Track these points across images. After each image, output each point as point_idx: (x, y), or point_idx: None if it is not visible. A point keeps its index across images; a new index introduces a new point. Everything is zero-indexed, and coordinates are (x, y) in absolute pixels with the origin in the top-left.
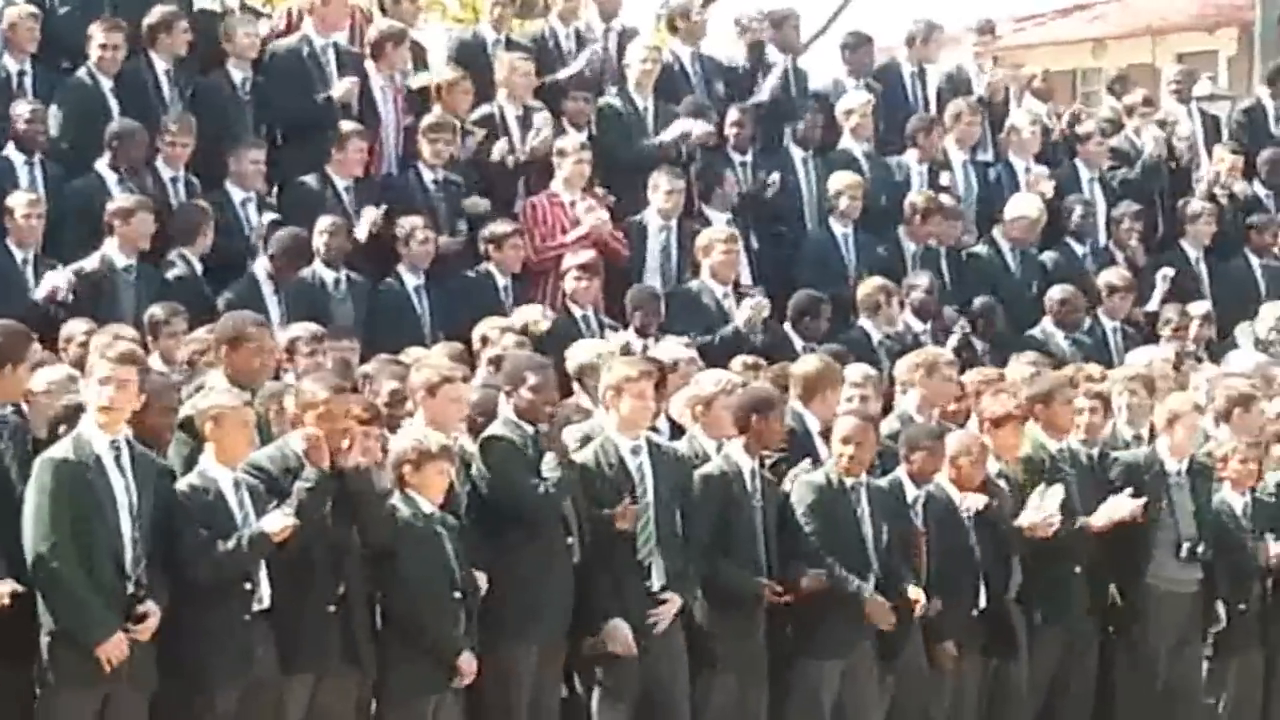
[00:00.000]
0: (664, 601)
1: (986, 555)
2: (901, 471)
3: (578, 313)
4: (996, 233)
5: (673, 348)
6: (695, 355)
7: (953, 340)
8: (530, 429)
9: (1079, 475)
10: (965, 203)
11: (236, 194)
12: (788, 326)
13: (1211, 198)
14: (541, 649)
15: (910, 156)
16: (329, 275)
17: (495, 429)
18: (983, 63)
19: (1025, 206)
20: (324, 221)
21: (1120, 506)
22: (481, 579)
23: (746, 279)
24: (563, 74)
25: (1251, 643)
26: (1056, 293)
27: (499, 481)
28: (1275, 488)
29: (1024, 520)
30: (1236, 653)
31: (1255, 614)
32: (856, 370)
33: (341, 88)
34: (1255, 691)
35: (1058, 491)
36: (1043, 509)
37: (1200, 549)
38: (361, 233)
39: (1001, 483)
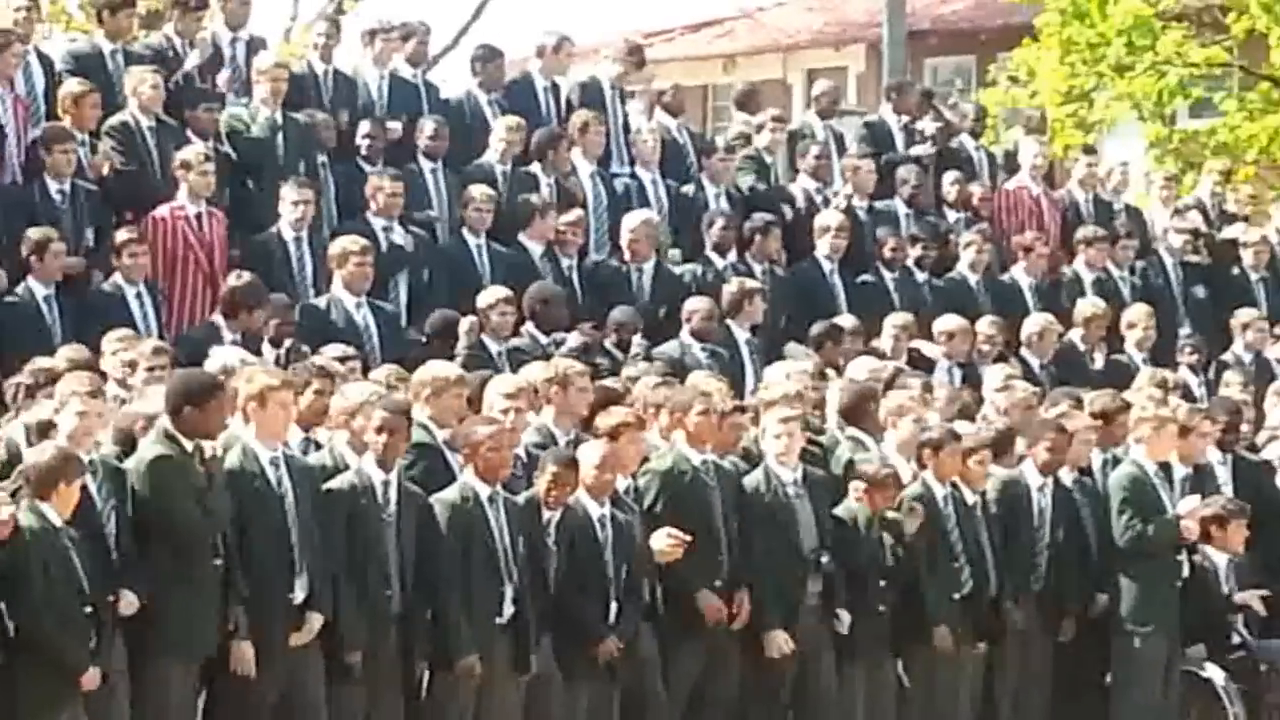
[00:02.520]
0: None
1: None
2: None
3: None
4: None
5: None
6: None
7: (567, 346)
8: (190, 445)
9: (723, 487)
10: (595, 214)
11: None
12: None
13: (846, 211)
14: (188, 667)
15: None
16: None
17: (157, 448)
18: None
19: (641, 219)
20: None
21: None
22: (132, 598)
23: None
24: (186, 66)
25: (880, 649)
26: (694, 304)
27: (159, 503)
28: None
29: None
30: (861, 659)
31: (885, 620)
32: (506, 382)
33: None
34: (885, 697)
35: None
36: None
37: (824, 559)
38: None
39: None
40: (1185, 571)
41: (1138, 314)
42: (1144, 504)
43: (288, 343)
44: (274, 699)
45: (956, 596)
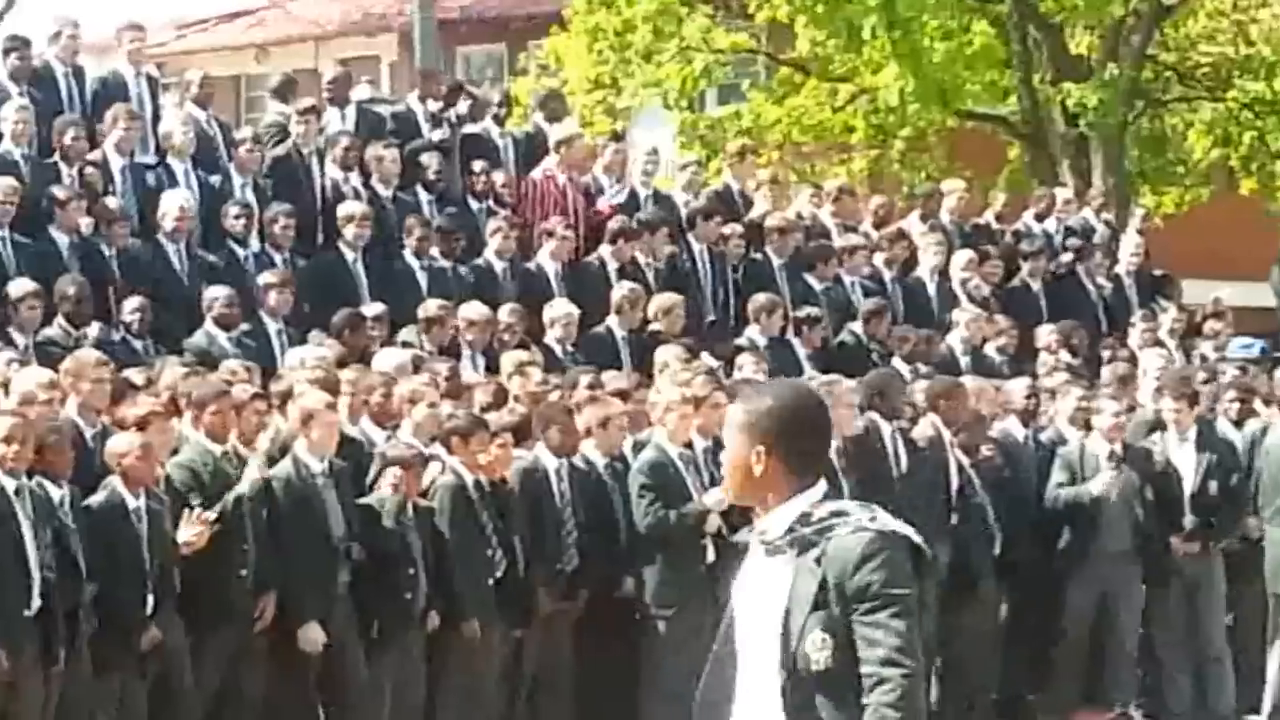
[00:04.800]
0: None
1: None
2: None
3: None
4: (160, 235)
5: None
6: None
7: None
8: None
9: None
10: (126, 206)
11: None
12: None
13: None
14: None
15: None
16: None
17: None
18: (139, 65)
19: (176, 200)
20: None
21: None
22: None
23: None
24: None
25: (411, 637)
26: (214, 293)
27: None
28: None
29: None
30: (393, 647)
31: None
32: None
33: None
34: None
35: None
36: None
37: (354, 548)
38: None
39: None
40: (711, 556)
41: (664, 301)
42: (666, 489)
43: None
44: None
45: (490, 582)
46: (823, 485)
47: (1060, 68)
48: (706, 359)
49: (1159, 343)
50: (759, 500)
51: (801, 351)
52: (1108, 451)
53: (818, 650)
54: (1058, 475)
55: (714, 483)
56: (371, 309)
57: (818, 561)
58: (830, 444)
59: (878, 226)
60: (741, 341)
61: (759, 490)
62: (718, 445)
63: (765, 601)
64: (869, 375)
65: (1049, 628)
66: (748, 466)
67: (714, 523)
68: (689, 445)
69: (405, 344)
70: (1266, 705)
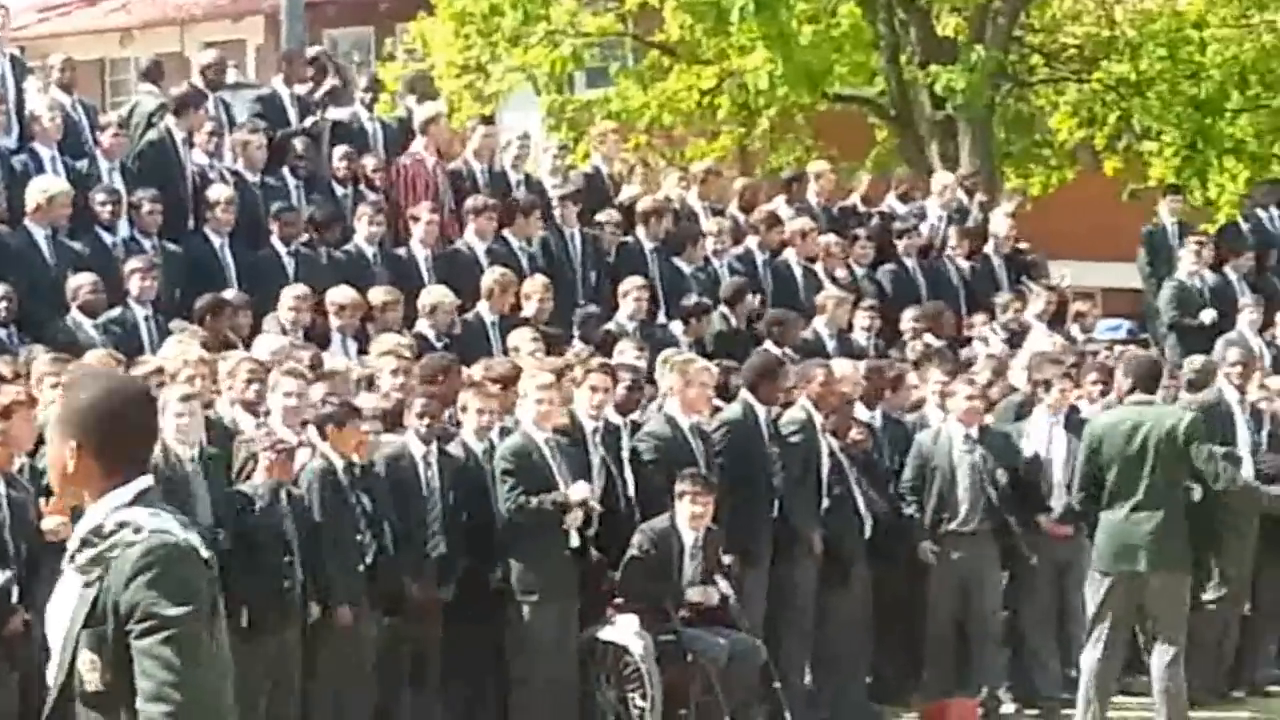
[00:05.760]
0: None
1: None
2: None
3: None
4: (29, 221)
5: None
6: None
7: None
8: None
9: None
10: None
11: None
12: None
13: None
14: None
15: None
16: None
17: None
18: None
19: (47, 185)
20: None
21: None
22: None
23: None
24: None
25: (288, 624)
26: (78, 281)
27: None
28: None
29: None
30: (271, 635)
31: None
32: None
33: None
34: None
35: None
36: None
37: (220, 536)
38: None
39: None
40: (575, 542)
41: (534, 285)
42: (528, 474)
43: None
44: None
45: (361, 569)
46: (137, 486)
47: (927, 50)
48: (579, 344)
49: (1027, 324)
50: (80, 500)
51: (683, 338)
52: (962, 434)
53: (89, 671)
54: (912, 459)
55: (579, 470)
56: (234, 295)
57: (101, 574)
58: (152, 440)
59: (744, 209)
60: (610, 326)
61: (77, 489)
62: (608, 429)
63: (60, 615)
64: (751, 359)
65: (916, 613)
66: (63, 464)
67: (574, 519)
68: (562, 430)
69: (272, 330)
70: (1080, 700)
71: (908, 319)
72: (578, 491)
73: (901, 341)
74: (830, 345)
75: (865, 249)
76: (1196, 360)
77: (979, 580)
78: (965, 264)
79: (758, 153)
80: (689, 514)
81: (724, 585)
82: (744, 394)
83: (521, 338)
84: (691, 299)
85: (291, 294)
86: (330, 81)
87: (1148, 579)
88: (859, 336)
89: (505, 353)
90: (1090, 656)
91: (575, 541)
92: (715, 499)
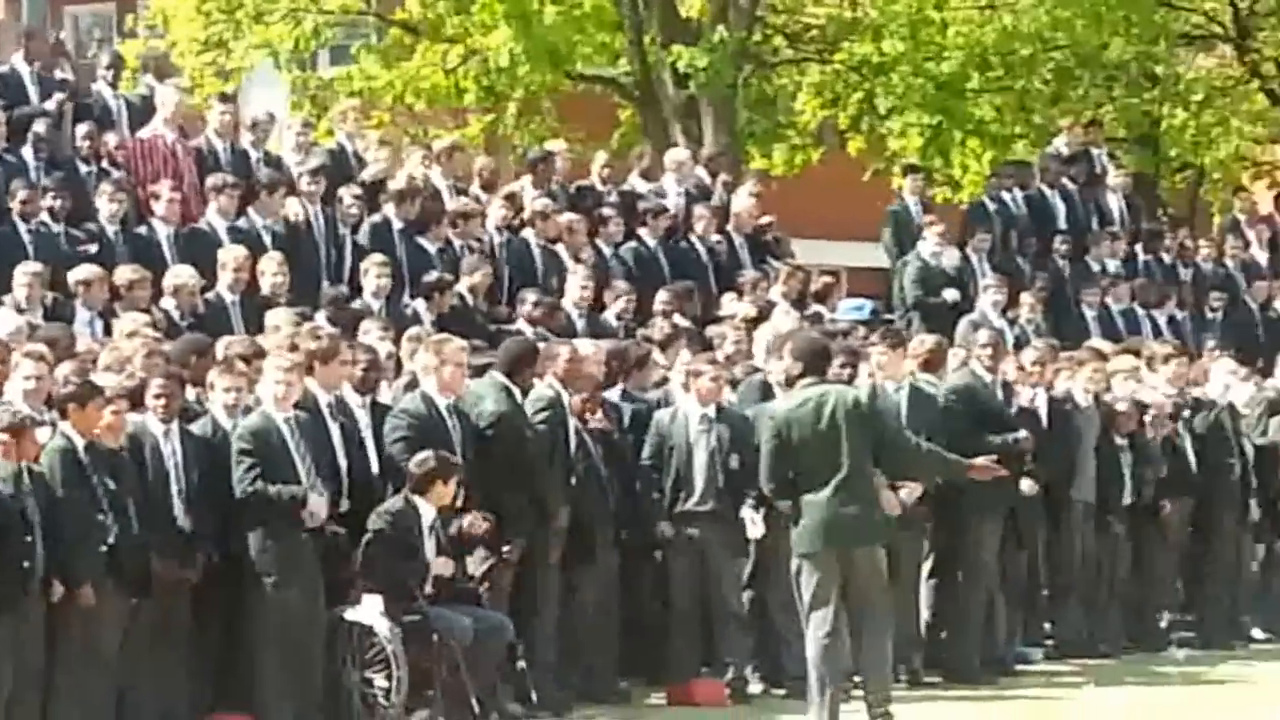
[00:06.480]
0: None
1: None
2: None
3: None
4: None
5: None
6: None
7: None
8: None
9: None
10: None
11: None
12: None
13: None
14: None
15: None
16: None
17: None
18: None
19: None
20: None
21: None
22: None
23: None
24: None
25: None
26: None
27: None
28: None
29: None
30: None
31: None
32: None
33: None
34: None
35: None
36: None
37: None
38: None
39: None
40: (384, 526)
41: (269, 263)
42: (267, 455)
43: None
44: None
45: (103, 549)
46: None
47: (671, 30)
48: (322, 322)
49: (771, 303)
50: None
51: (426, 315)
52: (700, 414)
53: None
54: (650, 438)
55: (319, 450)
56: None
57: None
58: None
59: (485, 188)
60: (358, 306)
61: None
62: (340, 405)
63: None
64: (507, 344)
65: (661, 591)
66: None
67: (316, 519)
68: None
69: (9, 309)
70: (813, 691)
71: (659, 300)
72: (316, 505)
73: (651, 321)
74: (580, 325)
75: (616, 228)
76: (928, 340)
77: (717, 559)
78: (710, 244)
79: (507, 135)
80: (435, 494)
81: (474, 564)
82: (498, 377)
83: (281, 317)
84: (432, 276)
85: (24, 272)
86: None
87: (854, 556)
88: (609, 316)
89: (256, 332)
90: (815, 644)
91: (313, 523)
92: (461, 479)
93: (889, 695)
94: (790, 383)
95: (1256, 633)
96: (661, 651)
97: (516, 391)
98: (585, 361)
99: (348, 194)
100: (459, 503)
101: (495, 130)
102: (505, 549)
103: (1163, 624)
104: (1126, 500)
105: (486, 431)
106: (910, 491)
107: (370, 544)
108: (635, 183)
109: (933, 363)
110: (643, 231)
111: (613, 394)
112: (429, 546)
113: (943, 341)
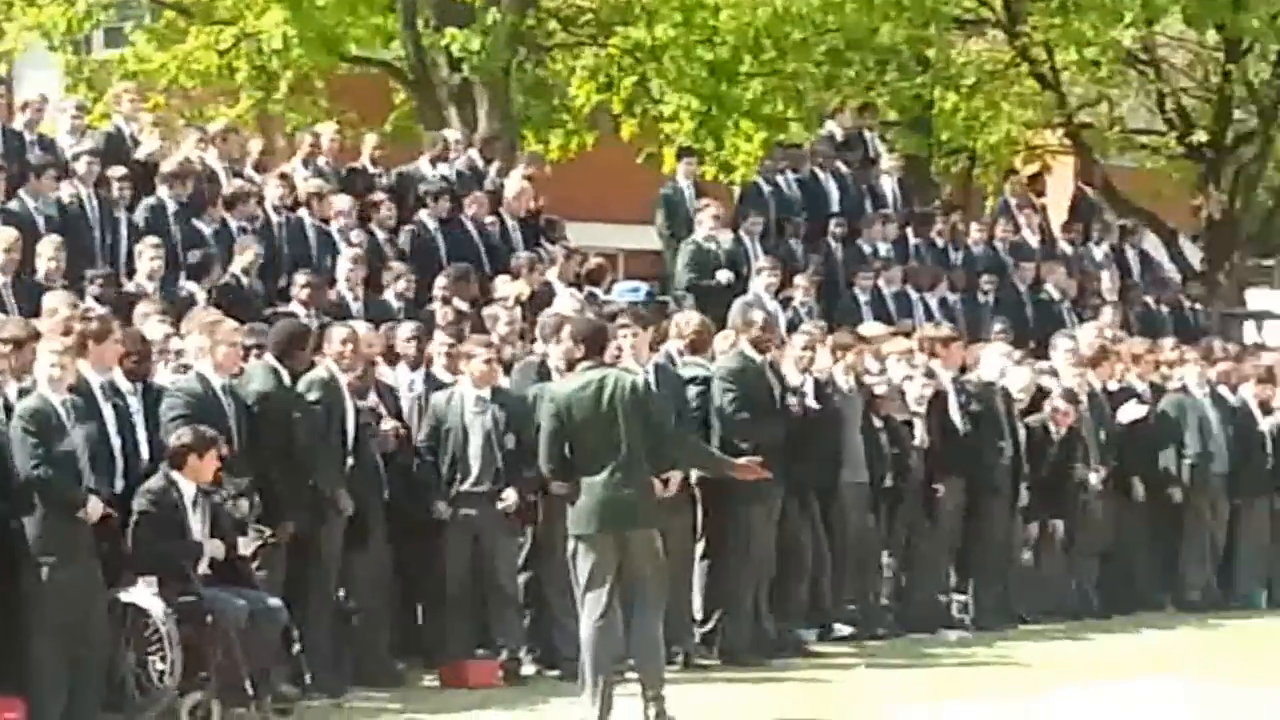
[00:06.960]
0: None
1: None
2: None
3: None
4: None
5: None
6: None
7: None
8: None
9: None
10: None
11: None
12: None
13: None
14: None
15: None
16: None
17: None
18: None
19: None
20: None
21: None
22: None
23: None
24: None
25: None
26: None
27: None
28: None
29: None
30: None
31: None
32: None
33: None
34: None
35: None
36: None
37: None
38: None
39: None
40: (148, 506)
41: (45, 246)
42: (47, 437)
43: None
44: None
45: None
46: None
47: (443, 13)
48: (92, 304)
49: (548, 285)
50: None
51: (200, 295)
52: (475, 396)
53: None
54: (427, 420)
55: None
56: None
57: None
58: None
59: (258, 169)
60: (130, 287)
61: None
62: (113, 385)
63: None
64: (278, 326)
65: (434, 576)
66: None
67: (91, 520)
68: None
69: None
70: (586, 675)
71: (438, 284)
72: (94, 510)
73: (429, 303)
74: (355, 308)
75: (388, 212)
76: (693, 320)
77: (492, 540)
78: (483, 226)
79: (278, 116)
80: (192, 468)
81: (245, 544)
82: (267, 358)
83: (58, 300)
84: (196, 255)
85: None
86: None
87: (630, 539)
88: (389, 297)
89: (30, 315)
90: (590, 626)
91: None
92: (220, 453)
93: (663, 678)
94: (571, 365)
95: (1027, 614)
96: (437, 632)
97: (284, 373)
98: (362, 343)
99: (115, 175)
100: (220, 476)
101: (265, 109)
102: (270, 533)
103: (936, 606)
104: (888, 483)
105: (254, 410)
106: (671, 479)
107: (138, 525)
108: (423, 167)
109: (698, 344)
110: (423, 213)
111: (390, 375)
112: (194, 522)
113: (707, 322)
